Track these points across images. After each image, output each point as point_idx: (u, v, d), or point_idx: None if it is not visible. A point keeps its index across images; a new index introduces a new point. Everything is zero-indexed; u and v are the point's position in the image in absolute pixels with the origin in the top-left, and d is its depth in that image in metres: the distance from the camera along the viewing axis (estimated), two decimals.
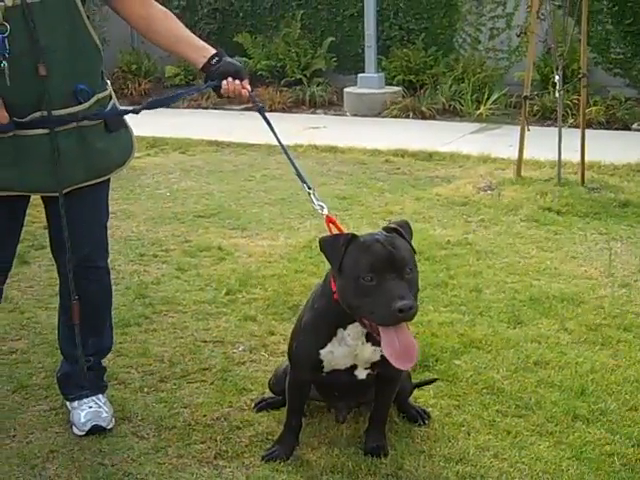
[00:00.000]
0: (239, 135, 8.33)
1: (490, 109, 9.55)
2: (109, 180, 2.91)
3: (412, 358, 2.44)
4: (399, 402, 2.99)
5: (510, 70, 10.17)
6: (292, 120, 9.51)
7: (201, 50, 2.84)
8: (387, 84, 10.37)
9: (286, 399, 2.82)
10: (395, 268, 2.36)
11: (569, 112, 8.64)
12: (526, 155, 6.49)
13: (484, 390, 3.20)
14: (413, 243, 2.53)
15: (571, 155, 6.34)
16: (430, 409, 3.07)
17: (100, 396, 3.01)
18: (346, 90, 10.35)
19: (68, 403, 3.04)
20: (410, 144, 7.80)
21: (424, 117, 9.61)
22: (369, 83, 10.17)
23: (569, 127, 7.70)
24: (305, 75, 10.87)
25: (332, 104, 10.59)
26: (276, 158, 7.14)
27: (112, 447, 2.85)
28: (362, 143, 7.98)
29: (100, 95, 2.74)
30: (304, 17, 11.24)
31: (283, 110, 10.27)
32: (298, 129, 8.65)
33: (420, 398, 3.15)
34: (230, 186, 6.51)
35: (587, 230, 5.22)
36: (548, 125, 8.82)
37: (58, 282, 2.99)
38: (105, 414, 2.94)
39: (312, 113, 10.35)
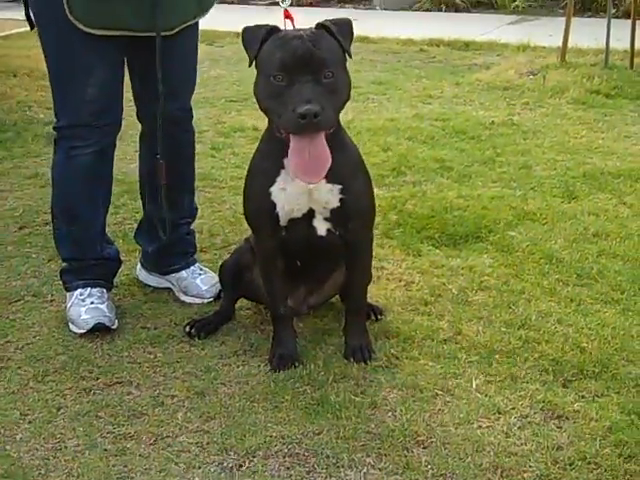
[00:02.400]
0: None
1: (527, 1, 9.14)
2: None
3: (320, 171, 2.15)
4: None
5: None
6: (321, 14, 9.14)
7: None
8: None
9: (263, 284, 2.50)
10: (310, 69, 2.07)
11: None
12: (569, 44, 6.17)
13: (542, 260, 3.03)
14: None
15: (615, 44, 6.03)
16: (487, 278, 2.91)
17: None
18: None
19: (171, 276, 2.87)
20: (445, 34, 7.48)
21: (457, 10, 9.25)
22: None
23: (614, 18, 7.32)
24: None
25: None
26: None
27: (156, 311, 2.75)
28: (394, 34, 7.66)
29: None
30: None
31: (311, 5, 9.89)
32: None
33: (475, 267, 2.98)
34: None
35: (638, 112, 4.95)
36: (589, 16, 8.46)
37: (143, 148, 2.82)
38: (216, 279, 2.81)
39: (341, 7, 9.97)
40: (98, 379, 2.36)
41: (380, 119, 4.89)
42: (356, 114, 4.96)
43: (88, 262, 2.68)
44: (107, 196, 2.72)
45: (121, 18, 2.42)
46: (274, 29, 2.20)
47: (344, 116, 4.88)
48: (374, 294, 2.78)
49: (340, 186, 2.30)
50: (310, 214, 2.34)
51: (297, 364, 2.39)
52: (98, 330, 2.57)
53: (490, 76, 5.95)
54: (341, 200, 2.31)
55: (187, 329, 2.59)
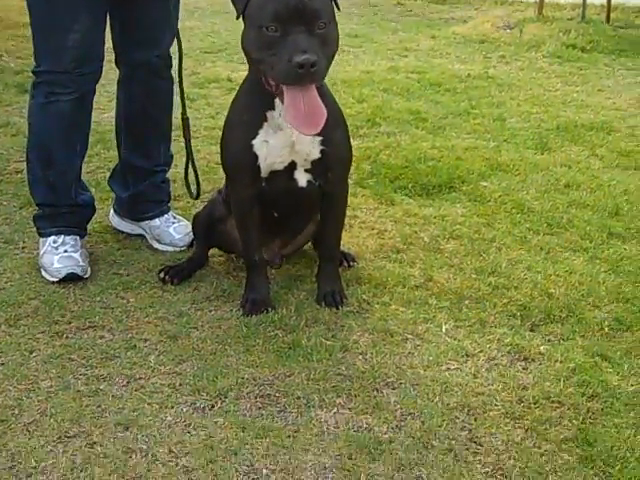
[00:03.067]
0: None
1: None
2: None
3: (318, 123, 2.12)
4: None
5: None
6: None
7: None
8: None
9: (238, 233, 2.50)
10: (304, 20, 2.03)
11: None
12: None
13: (514, 210, 3.06)
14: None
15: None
16: (458, 227, 2.94)
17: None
18: None
19: (144, 223, 2.87)
20: None
21: None
22: None
23: None
24: None
25: None
26: None
27: (129, 258, 2.75)
28: None
29: None
30: None
31: None
32: None
33: (448, 217, 3.01)
34: (237, 25, 6.17)
35: (614, 66, 4.99)
36: None
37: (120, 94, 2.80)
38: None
39: None
40: (70, 323, 2.37)
41: (356, 71, 4.88)
42: (332, 66, 4.92)
43: (62, 208, 2.66)
44: (84, 143, 2.69)
45: None
46: None
47: None
48: (347, 242, 2.81)
49: (321, 137, 2.29)
50: (291, 166, 2.34)
51: (269, 309, 2.41)
52: (71, 279, 2.57)
53: (467, 30, 5.95)
54: (322, 151, 2.31)
55: (161, 275, 2.59)
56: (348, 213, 2.97)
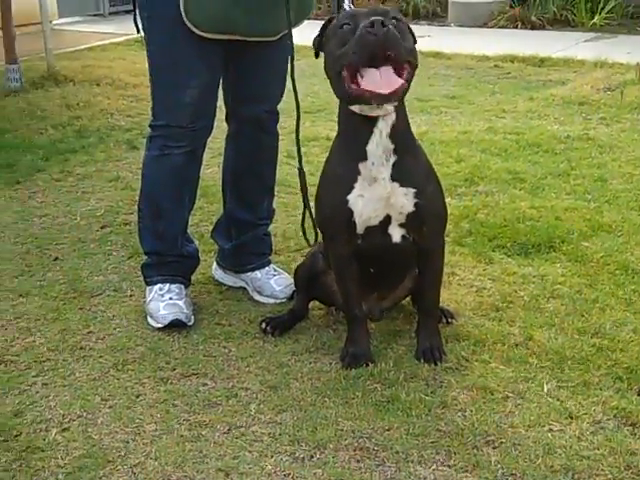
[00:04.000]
0: None
1: (605, 19, 9.01)
2: None
3: (394, 85, 2.14)
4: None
5: None
6: None
7: None
8: None
9: (337, 288, 2.53)
10: (375, 13, 2.15)
11: None
12: None
13: (617, 271, 3.00)
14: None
15: None
16: (559, 287, 2.90)
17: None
18: (451, 0, 9.95)
19: (246, 275, 2.94)
20: (519, 51, 7.43)
21: (533, 27, 9.15)
22: None
23: None
24: None
25: (436, 15, 10.21)
26: None
27: (231, 308, 2.81)
28: (468, 50, 7.66)
29: None
30: None
31: None
32: None
33: (547, 276, 2.97)
34: None
35: None
36: None
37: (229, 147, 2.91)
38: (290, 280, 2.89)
39: (415, 24, 10.00)
40: (175, 370, 2.44)
41: (453, 132, 4.90)
42: (429, 126, 4.99)
43: (168, 257, 2.77)
44: (192, 195, 2.80)
45: (234, 23, 2.48)
46: (332, 17, 2.29)
47: (417, 128, 4.94)
48: (445, 299, 2.80)
49: (414, 190, 2.32)
50: (386, 221, 2.35)
51: (369, 363, 2.42)
52: (175, 325, 2.64)
53: (565, 91, 5.90)
54: (416, 204, 2.33)
55: (262, 326, 2.64)
56: (446, 270, 2.99)
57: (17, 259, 3.25)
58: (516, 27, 9.22)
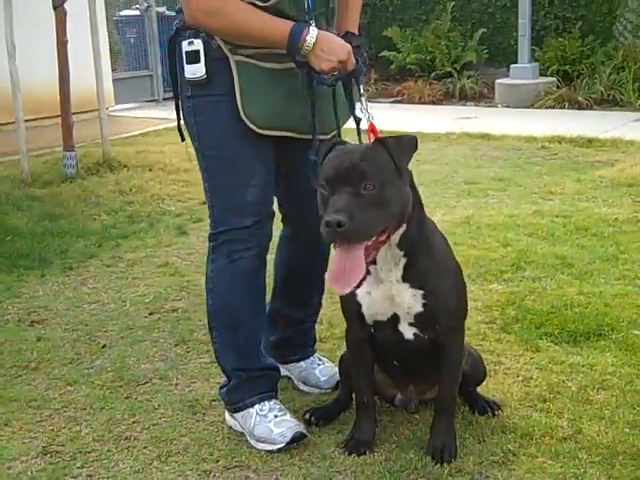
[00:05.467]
0: (390, 123, 8.24)
1: None
2: None
3: (349, 283, 2.12)
4: (465, 390, 2.62)
5: None
6: (442, 112, 9.36)
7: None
8: (540, 75, 10.01)
9: (351, 371, 2.55)
10: (348, 181, 2.09)
11: None
12: None
13: None
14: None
15: None
16: (609, 377, 2.84)
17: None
18: (498, 81, 10.08)
19: (290, 365, 2.91)
20: (567, 131, 7.46)
21: (580, 107, 9.22)
22: (522, 74, 9.86)
23: None
24: (455, 68, 10.67)
25: (483, 96, 10.35)
26: (428, 145, 7.02)
27: None
28: (515, 131, 7.72)
29: None
30: (454, 9, 11.04)
31: (433, 103, 10.11)
32: (449, 119, 8.46)
33: (596, 366, 2.92)
34: None
35: None
36: None
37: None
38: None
39: (462, 105, 10.14)
40: (218, 462, 2.43)
41: (500, 215, 4.91)
42: (476, 210, 5.01)
43: (255, 372, 2.60)
44: (264, 301, 2.66)
45: (290, 118, 2.45)
46: (339, 143, 2.28)
47: (463, 211, 4.97)
48: (491, 388, 2.77)
49: (422, 291, 2.31)
50: (395, 319, 2.37)
51: (369, 452, 2.42)
52: (298, 440, 2.49)
53: (614, 173, 5.89)
54: (424, 305, 2.32)
55: (306, 417, 2.63)
56: (492, 359, 2.97)
57: (66, 346, 3.31)
58: (563, 107, 9.29)
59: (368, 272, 2.26)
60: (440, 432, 2.43)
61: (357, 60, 2.42)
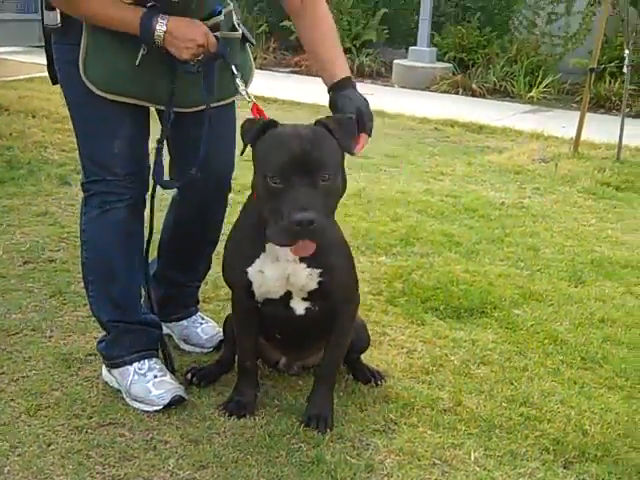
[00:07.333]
0: (286, 94, 8.17)
1: (542, 93, 9.31)
2: None
3: (308, 249, 2.04)
4: (349, 359, 2.61)
5: (565, 57, 9.85)
6: None
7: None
8: (437, 60, 10.14)
9: (235, 336, 2.48)
10: (307, 172, 1.96)
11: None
12: (582, 137, 6.26)
13: (546, 340, 3.01)
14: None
15: (627, 141, 6.14)
16: (489, 353, 2.89)
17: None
18: (396, 62, 10.14)
19: (172, 324, 2.83)
20: (460, 116, 7.59)
21: (474, 94, 9.39)
22: (420, 57, 9.95)
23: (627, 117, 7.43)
24: (355, 45, 10.66)
25: (380, 75, 10.39)
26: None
27: None
28: (410, 111, 7.79)
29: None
30: None
31: None
32: None
33: (478, 341, 2.96)
34: None
35: None
36: (602, 113, 8.59)
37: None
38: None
39: (360, 82, 10.08)
40: (91, 418, 2.32)
41: (391, 190, 4.92)
42: (368, 183, 5.00)
43: (133, 325, 2.50)
44: (141, 256, 2.55)
45: (138, 87, 2.32)
46: (271, 123, 2.09)
47: (355, 184, 4.96)
48: (375, 359, 2.76)
49: (319, 270, 2.25)
50: (287, 295, 2.30)
51: (249, 415, 2.36)
52: (175, 404, 2.40)
53: (502, 159, 6.02)
54: (320, 282, 2.27)
55: (188, 376, 2.55)
56: (377, 330, 2.97)
57: None
58: (457, 93, 9.44)
59: (263, 249, 2.20)
60: (317, 401, 2.40)
61: (217, 38, 2.26)
